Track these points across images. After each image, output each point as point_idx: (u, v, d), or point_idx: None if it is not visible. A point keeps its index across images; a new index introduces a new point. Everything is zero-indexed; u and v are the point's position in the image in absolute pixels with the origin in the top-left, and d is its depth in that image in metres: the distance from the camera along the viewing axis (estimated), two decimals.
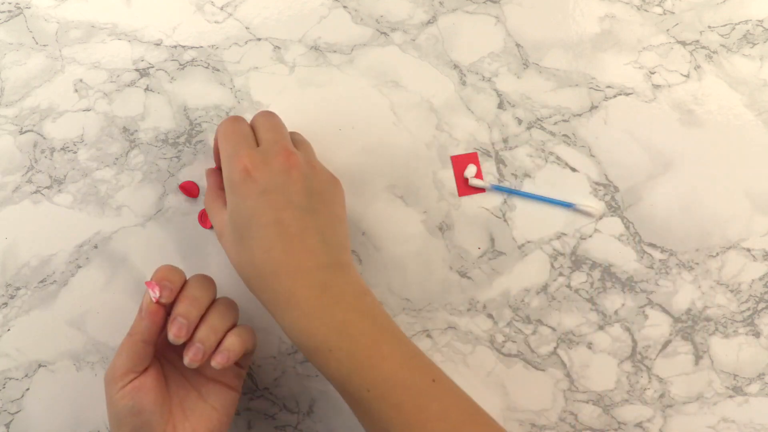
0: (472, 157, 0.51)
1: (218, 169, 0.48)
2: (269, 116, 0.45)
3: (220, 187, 0.46)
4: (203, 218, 0.51)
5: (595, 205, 0.50)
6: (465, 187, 0.51)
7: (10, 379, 0.51)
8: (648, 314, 0.50)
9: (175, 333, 0.40)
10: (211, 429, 0.43)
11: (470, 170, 0.51)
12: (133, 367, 0.41)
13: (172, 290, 0.41)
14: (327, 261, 0.40)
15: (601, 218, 0.51)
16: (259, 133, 0.43)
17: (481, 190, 0.51)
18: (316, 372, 0.50)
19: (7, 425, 0.51)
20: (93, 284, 0.51)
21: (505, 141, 0.51)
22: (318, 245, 0.40)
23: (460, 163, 0.51)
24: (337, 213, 0.43)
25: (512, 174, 0.51)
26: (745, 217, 0.51)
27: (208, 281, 0.43)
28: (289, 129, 0.52)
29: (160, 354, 0.44)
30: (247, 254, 0.40)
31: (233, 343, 0.41)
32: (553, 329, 0.51)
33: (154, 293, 0.40)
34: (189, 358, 0.40)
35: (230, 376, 0.45)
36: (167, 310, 0.41)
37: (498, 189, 0.51)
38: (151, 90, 0.52)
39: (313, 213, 0.41)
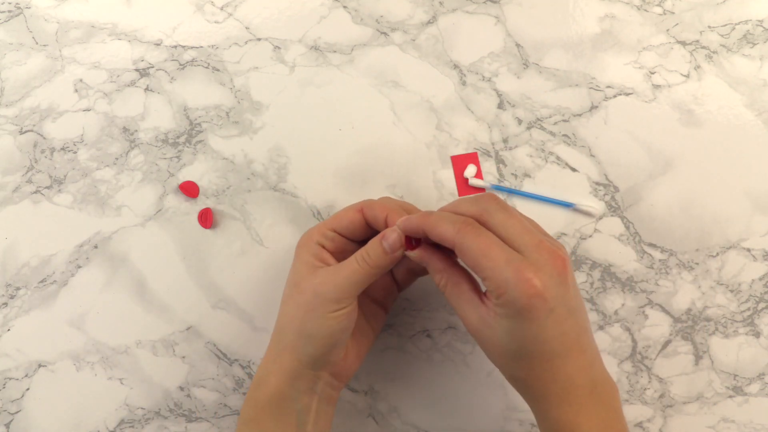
0: (472, 157, 0.51)
1: (433, 248, 0.42)
2: (507, 209, 0.40)
3: (452, 265, 0.41)
4: (203, 218, 0.51)
5: (596, 205, 0.50)
6: (465, 188, 0.51)
7: (10, 379, 0.51)
8: (648, 314, 0.50)
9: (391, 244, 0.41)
10: (366, 348, 0.46)
11: (470, 170, 0.51)
12: (355, 293, 0.41)
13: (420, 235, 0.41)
14: (594, 357, 0.40)
15: (601, 218, 0.51)
16: (510, 235, 0.39)
17: (482, 190, 0.51)
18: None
19: (7, 425, 0.51)
20: (93, 284, 0.51)
21: (505, 141, 0.51)
22: (588, 343, 0.40)
23: (460, 163, 0.51)
24: (582, 299, 0.42)
25: (512, 174, 0.51)
26: (745, 217, 0.51)
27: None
28: (289, 129, 0.52)
29: None
30: (523, 365, 0.39)
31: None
32: None
33: (414, 243, 0.41)
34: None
35: (389, 297, 0.47)
36: None
37: (498, 189, 0.51)
38: (151, 90, 0.52)
39: (578, 311, 0.39)
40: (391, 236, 0.41)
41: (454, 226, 0.39)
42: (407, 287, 0.47)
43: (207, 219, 0.51)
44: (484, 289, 0.40)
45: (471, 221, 0.39)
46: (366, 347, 0.46)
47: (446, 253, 0.42)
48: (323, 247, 0.44)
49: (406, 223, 0.41)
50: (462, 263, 0.40)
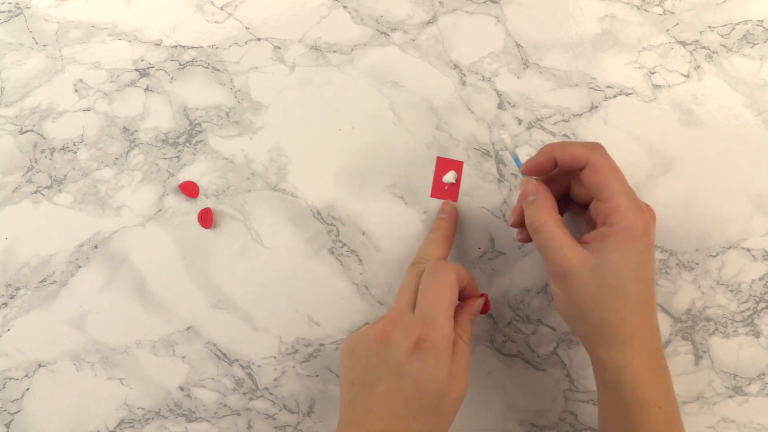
0: (457, 165, 0.51)
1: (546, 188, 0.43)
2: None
3: (556, 208, 0.42)
4: (203, 218, 0.51)
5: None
6: (440, 191, 0.51)
7: (10, 379, 0.51)
8: None
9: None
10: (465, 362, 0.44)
11: (449, 176, 0.51)
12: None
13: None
14: (657, 324, 0.42)
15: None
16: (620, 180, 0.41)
17: (453, 198, 0.51)
18: (316, 372, 0.50)
19: (7, 425, 0.51)
20: (93, 284, 0.51)
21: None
22: (654, 309, 0.42)
23: (443, 165, 0.51)
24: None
25: (512, 174, 0.51)
26: (745, 217, 0.51)
27: None
28: (289, 129, 0.52)
29: None
30: (617, 302, 0.40)
31: None
32: (553, 329, 0.51)
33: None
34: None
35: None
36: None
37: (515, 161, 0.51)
38: (151, 90, 0.52)
39: (653, 268, 0.42)
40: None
41: (586, 146, 0.41)
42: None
43: (207, 219, 0.51)
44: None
45: (602, 145, 0.41)
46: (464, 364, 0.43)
47: (554, 201, 0.43)
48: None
49: (530, 161, 0.43)
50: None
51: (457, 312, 0.44)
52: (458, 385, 0.40)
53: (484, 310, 0.48)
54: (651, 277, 0.41)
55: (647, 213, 0.41)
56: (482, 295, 0.47)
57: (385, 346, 0.40)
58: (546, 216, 0.41)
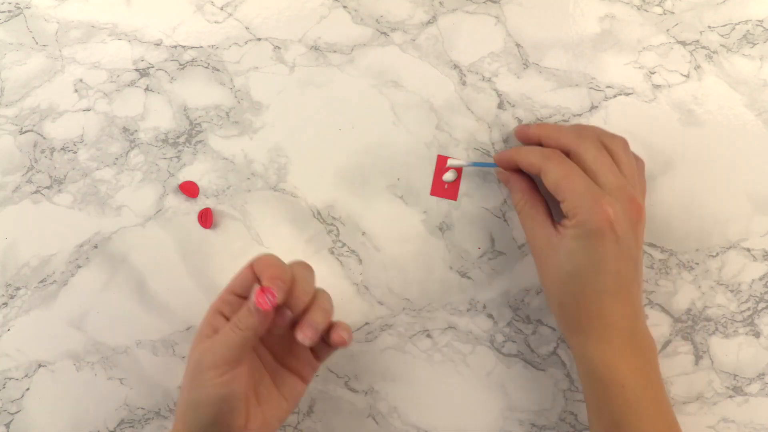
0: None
1: (520, 171, 0.47)
2: (624, 145, 0.45)
3: (533, 188, 0.46)
4: (203, 218, 0.51)
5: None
6: (439, 189, 0.51)
7: (10, 379, 0.51)
8: (648, 314, 0.50)
9: (310, 337, 0.41)
10: (278, 418, 0.44)
11: (449, 174, 0.51)
12: (233, 359, 0.41)
13: (287, 291, 0.41)
14: (639, 309, 0.43)
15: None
16: (600, 174, 0.42)
17: (453, 197, 0.51)
18: (317, 372, 0.50)
19: (7, 425, 0.51)
20: (93, 284, 0.51)
21: (505, 141, 0.51)
22: (637, 295, 0.43)
23: (444, 163, 0.51)
24: (642, 271, 0.46)
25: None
26: (745, 217, 0.51)
27: (312, 272, 0.44)
28: (289, 129, 0.52)
29: None
30: (574, 288, 0.42)
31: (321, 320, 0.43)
32: (553, 329, 0.51)
33: (272, 299, 0.40)
34: (305, 334, 0.41)
35: (307, 368, 0.46)
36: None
37: (473, 166, 0.51)
38: (151, 90, 0.52)
39: (639, 263, 0.44)
40: (253, 298, 0.40)
41: (542, 154, 0.44)
42: (326, 359, 0.47)
43: (207, 219, 0.51)
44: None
45: (557, 152, 0.44)
46: (277, 416, 0.44)
47: (529, 181, 0.47)
48: (222, 313, 0.44)
49: (500, 155, 0.47)
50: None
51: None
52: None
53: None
54: (618, 269, 0.42)
55: (610, 209, 0.41)
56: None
57: None
58: (523, 200, 0.46)
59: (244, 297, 0.44)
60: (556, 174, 0.42)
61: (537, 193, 0.46)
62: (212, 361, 0.41)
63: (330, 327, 0.44)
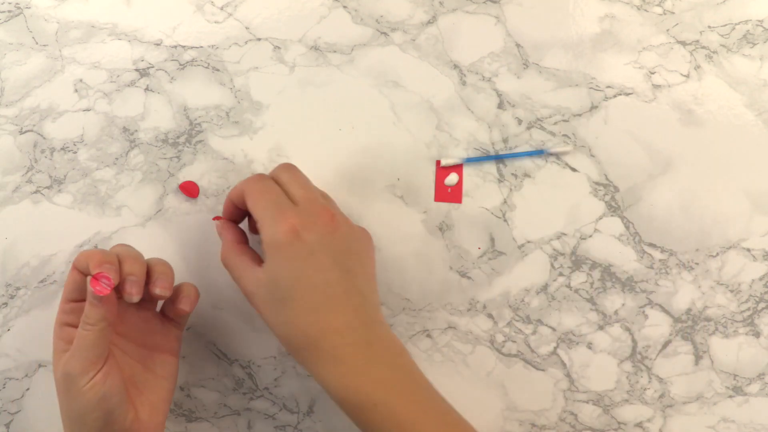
0: (457, 168, 0.51)
1: (231, 221, 0.47)
2: (294, 171, 0.45)
3: (240, 241, 0.45)
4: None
5: (565, 147, 0.50)
6: (443, 193, 0.51)
7: (10, 379, 0.51)
8: (648, 314, 0.50)
9: (128, 290, 0.41)
10: (164, 398, 0.44)
11: (451, 178, 0.51)
12: (98, 357, 0.41)
13: (117, 269, 0.41)
14: (368, 319, 0.42)
15: (601, 218, 0.51)
16: (290, 190, 0.43)
17: (457, 200, 0.51)
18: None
19: (7, 425, 0.51)
20: None
21: (505, 141, 0.51)
22: (360, 304, 0.42)
23: (444, 169, 0.51)
24: (371, 271, 0.44)
25: (512, 174, 0.51)
26: (745, 217, 0.51)
27: (130, 247, 0.44)
28: (289, 129, 0.52)
29: None
30: (290, 314, 0.41)
31: (165, 270, 0.43)
32: (553, 329, 0.51)
33: (107, 282, 0.39)
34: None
35: (171, 341, 0.46)
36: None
37: (469, 161, 0.51)
38: (151, 90, 0.52)
39: (353, 273, 0.42)
40: (90, 288, 0.40)
41: (246, 179, 0.44)
42: (185, 324, 0.47)
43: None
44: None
45: (260, 174, 0.44)
46: (163, 397, 0.44)
47: (240, 234, 0.46)
48: (68, 324, 0.43)
49: (231, 193, 0.45)
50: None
51: None
52: None
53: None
54: (326, 281, 0.41)
55: (295, 219, 0.40)
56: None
57: None
58: (228, 251, 0.44)
59: (81, 300, 0.43)
60: (252, 192, 0.42)
61: (244, 245, 0.45)
62: (80, 368, 0.40)
63: (175, 292, 0.44)
